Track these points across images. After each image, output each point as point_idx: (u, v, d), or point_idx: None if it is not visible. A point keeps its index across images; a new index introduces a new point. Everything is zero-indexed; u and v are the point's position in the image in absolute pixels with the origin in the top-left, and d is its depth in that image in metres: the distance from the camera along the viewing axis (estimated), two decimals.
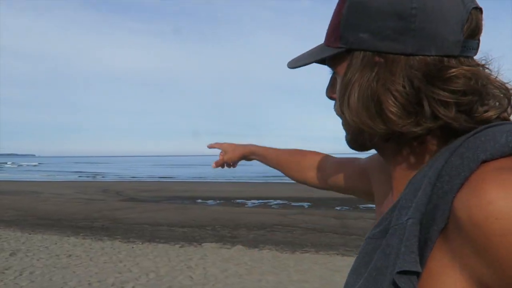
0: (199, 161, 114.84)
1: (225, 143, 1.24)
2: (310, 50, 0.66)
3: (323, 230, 12.07)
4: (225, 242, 10.16)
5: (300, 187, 1.39)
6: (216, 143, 1.26)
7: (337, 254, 8.62)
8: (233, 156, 1.21)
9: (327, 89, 0.67)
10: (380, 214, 0.65)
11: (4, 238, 10.08)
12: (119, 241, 10.27)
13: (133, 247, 9.27)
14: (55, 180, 43.16)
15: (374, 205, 0.82)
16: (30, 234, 11.10)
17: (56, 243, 9.59)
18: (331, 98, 0.67)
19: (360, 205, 17.41)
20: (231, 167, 1.29)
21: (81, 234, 11.39)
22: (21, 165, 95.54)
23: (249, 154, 1.21)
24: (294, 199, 22.20)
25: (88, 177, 51.10)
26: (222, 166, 1.27)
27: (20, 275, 6.33)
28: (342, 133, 0.67)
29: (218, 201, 22.96)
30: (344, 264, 7.17)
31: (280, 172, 1.18)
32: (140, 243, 9.92)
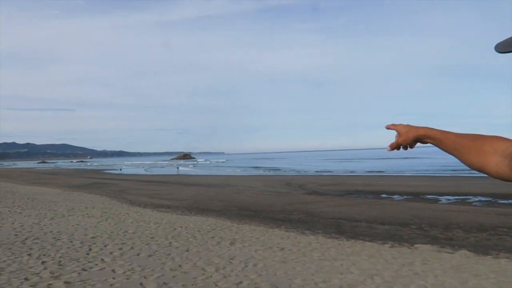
0: (371, 155, 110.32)
1: (400, 124, 1.18)
2: None
3: None
4: (441, 244, 8.69)
5: (501, 182, 1.04)
6: (392, 124, 1.20)
7: None
8: (407, 138, 1.14)
9: None
10: None
11: (219, 227, 10.92)
12: (322, 236, 9.90)
13: (339, 244, 8.72)
14: (244, 175, 47.32)
15: None
16: (238, 224, 11.80)
17: (264, 235, 9.81)
18: None
19: None
20: (406, 149, 1.19)
21: (282, 226, 11.52)
22: (212, 162, 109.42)
23: (424, 137, 1.12)
24: (500, 196, 18.63)
25: (269, 171, 54.66)
26: (398, 149, 1.18)
27: (246, 266, 6.40)
28: None
29: (405, 196, 20.97)
30: None
31: (456, 158, 1.08)
32: (345, 239, 9.32)
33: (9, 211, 12.89)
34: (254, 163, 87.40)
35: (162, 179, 39.38)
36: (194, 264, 6.47)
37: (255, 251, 7.66)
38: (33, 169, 78.93)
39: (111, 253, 7.07)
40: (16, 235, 8.56)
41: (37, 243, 7.70)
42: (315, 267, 6.40)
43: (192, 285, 5.27)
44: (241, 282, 5.45)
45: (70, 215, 12.45)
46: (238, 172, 54.95)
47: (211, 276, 5.74)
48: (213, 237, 9.24)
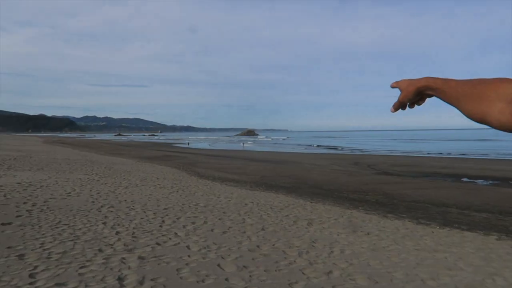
0: (446, 135, 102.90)
1: (401, 80, 1.03)
2: None
3: None
4: None
5: None
6: (395, 82, 1.06)
7: None
8: (408, 93, 1.00)
9: None
10: None
11: (292, 204, 10.20)
12: (408, 221, 8.77)
13: (432, 232, 7.56)
14: (308, 152, 46.25)
15: None
16: (311, 202, 10.99)
17: (342, 216, 8.91)
18: None
19: None
20: (412, 107, 1.04)
21: (360, 207, 10.52)
22: (273, 139, 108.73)
23: (425, 88, 0.97)
24: None
25: (333, 149, 52.93)
26: (403, 108, 1.04)
27: (331, 252, 5.59)
28: None
29: (490, 181, 18.70)
30: None
31: (457, 110, 0.91)
32: (437, 227, 8.11)
33: (88, 178, 13.26)
34: (316, 141, 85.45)
35: (227, 154, 39.65)
36: (273, 245, 5.78)
37: (337, 234, 6.81)
38: (111, 141, 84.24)
39: (184, 226, 6.63)
40: (93, 202, 8.52)
41: (112, 211, 7.52)
42: (414, 259, 5.41)
43: (276, 271, 4.57)
44: (331, 272, 4.65)
45: (143, 185, 12.47)
46: (301, 149, 53.88)
47: (294, 261, 5.00)
48: (287, 215, 8.53)
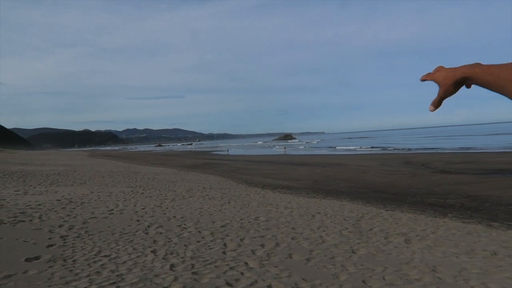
0: (497, 129, 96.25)
1: (435, 71, 0.93)
2: None
3: None
4: None
5: None
6: (426, 75, 0.96)
7: None
8: (447, 88, 0.90)
9: None
10: None
11: (366, 214, 8.44)
12: None
13: None
14: (351, 154, 43.89)
15: None
16: (387, 210, 9.18)
17: (438, 228, 7.06)
18: None
19: None
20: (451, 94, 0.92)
21: (449, 215, 8.60)
22: (302, 142, 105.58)
23: (464, 79, 0.88)
24: None
25: (375, 148, 50.11)
26: (440, 104, 0.93)
27: (457, 276, 3.83)
28: None
29: None
30: None
31: (505, 96, 0.80)
32: None
33: (131, 191, 12.09)
34: (352, 142, 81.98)
35: (268, 159, 38.11)
36: (384, 279, 4.11)
37: (456, 257, 5.03)
38: (151, 152, 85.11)
39: (253, 252, 5.08)
40: (138, 220, 7.18)
41: (161, 233, 6.11)
42: None
43: None
44: None
45: (190, 196, 11.12)
46: (341, 152, 51.39)
47: None
48: (371, 229, 6.81)
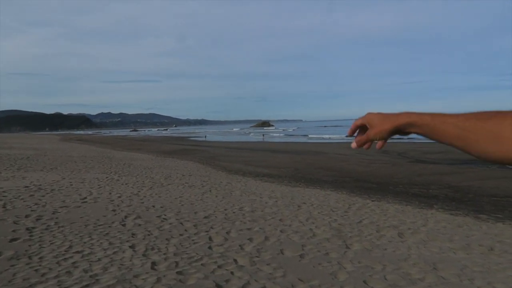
0: None
1: (368, 114, 0.89)
2: None
3: None
4: None
5: None
6: (358, 120, 0.91)
7: None
8: (381, 131, 0.85)
9: None
10: None
11: (353, 204, 8.19)
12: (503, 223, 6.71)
13: None
14: (331, 142, 44.06)
15: None
16: (373, 201, 8.97)
17: (427, 220, 6.87)
18: None
19: None
20: (382, 146, 0.90)
21: (435, 206, 8.47)
22: (280, 130, 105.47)
23: (406, 125, 0.82)
24: None
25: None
26: (368, 146, 0.91)
27: (461, 275, 3.58)
28: None
29: None
30: None
31: (457, 149, 0.77)
32: None
33: (106, 177, 11.44)
34: (326, 131, 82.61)
35: (247, 146, 37.69)
36: (385, 278, 3.80)
37: (454, 252, 4.79)
38: (126, 136, 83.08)
39: (241, 247, 4.68)
40: (114, 210, 6.64)
41: (140, 224, 5.62)
42: None
43: None
44: None
45: (169, 184, 10.60)
46: (318, 140, 51.55)
47: None
48: (360, 221, 6.54)
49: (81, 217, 5.90)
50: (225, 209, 7.18)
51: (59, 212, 6.17)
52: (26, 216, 5.74)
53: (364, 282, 3.68)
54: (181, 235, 5.13)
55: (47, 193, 8.07)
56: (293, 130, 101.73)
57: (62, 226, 5.24)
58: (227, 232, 5.39)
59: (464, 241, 5.38)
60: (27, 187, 8.83)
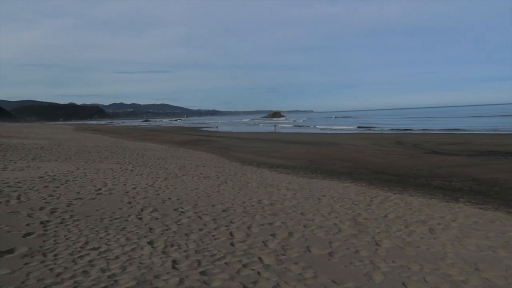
0: (489, 111, 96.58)
1: None
2: None
3: None
4: None
5: None
6: None
7: None
8: None
9: None
10: None
11: (375, 197, 7.84)
12: None
13: None
14: (344, 133, 43.45)
15: None
16: (394, 193, 8.61)
17: (457, 214, 6.50)
18: None
19: None
20: None
21: (461, 200, 8.07)
22: (290, 121, 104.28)
23: None
24: None
25: (363, 128, 49.84)
26: None
27: (508, 277, 3.24)
28: None
29: None
30: None
31: None
32: None
33: (120, 168, 11.26)
34: (336, 122, 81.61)
35: (259, 137, 37.34)
36: (424, 280, 3.47)
37: (494, 251, 4.43)
38: (139, 127, 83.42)
39: (265, 244, 4.40)
40: (129, 202, 6.41)
41: (157, 218, 5.38)
42: None
43: None
44: None
45: (183, 175, 10.37)
46: (325, 130, 50.89)
47: None
48: (385, 215, 6.20)
49: (96, 210, 5.68)
50: (243, 202, 6.90)
51: (74, 205, 5.96)
52: (41, 209, 5.54)
53: (403, 284, 3.37)
54: (200, 230, 4.87)
55: (62, 184, 7.89)
56: (303, 121, 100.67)
57: (77, 220, 5.02)
58: (248, 227, 5.11)
59: (501, 238, 5.01)
60: (41, 177, 8.67)
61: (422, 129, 43.83)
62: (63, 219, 5.03)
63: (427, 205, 7.34)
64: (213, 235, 4.64)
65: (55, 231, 4.46)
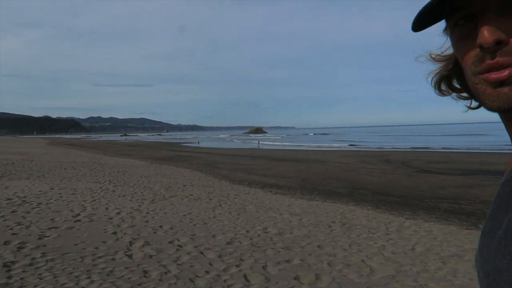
0: (467, 130, 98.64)
1: None
2: None
3: None
4: None
5: None
6: None
7: None
8: None
9: None
10: None
11: (385, 222, 7.10)
12: None
13: None
14: (324, 150, 43.17)
15: None
16: (407, 219, 7.89)
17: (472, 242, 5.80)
18: None
19: None
20: None
21: (480, 226, 7.43)
22: (278, 137, 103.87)
23: None
24: None
25: (347, 145, 49.81)
26: None
27: None
28: None
29: None
30: None
31: None
32: None
33: (100, 188, 10.19)
34: (312, 139, 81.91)
35: (244, 153, 36.50)
36: None
37: None
38: (117, 141, 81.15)
39: None
40: (114, 232, 5.43)
41: (151, 256, 4.43)
42: None
43: None
44: None
45: (171, 196, 9.41)
46: (313, 148, 50.63)
47: None
48: (412, 248, 5.43)
49: (75, 244, 4.68)
50: (247, 231, 6.02)
51: (48, 237, 4.94)
52: (5, 243, 4.51)
53: None
54: (207, 272, 3.95)
55: (33, 208, 6.81)
56: (281, 137, 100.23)
57: (52, 260, 4.02)
58: (263, 267, 4.23)
59: None
60: (9, 199, 7.56)
61: (411, 148, 43.89)
62: (33, 258, 4.03)
63: (449, 233, 6.64)
64: (224, 280, 3.74)
65: (21, 278, 3.46)
